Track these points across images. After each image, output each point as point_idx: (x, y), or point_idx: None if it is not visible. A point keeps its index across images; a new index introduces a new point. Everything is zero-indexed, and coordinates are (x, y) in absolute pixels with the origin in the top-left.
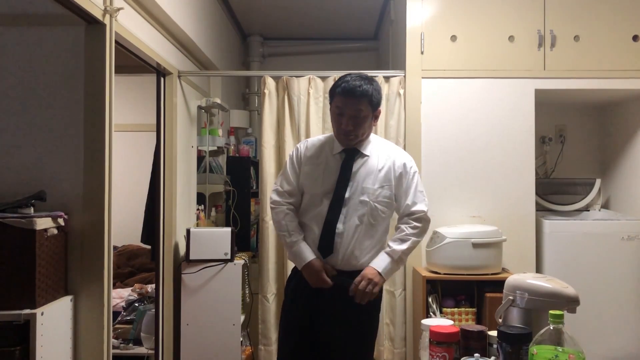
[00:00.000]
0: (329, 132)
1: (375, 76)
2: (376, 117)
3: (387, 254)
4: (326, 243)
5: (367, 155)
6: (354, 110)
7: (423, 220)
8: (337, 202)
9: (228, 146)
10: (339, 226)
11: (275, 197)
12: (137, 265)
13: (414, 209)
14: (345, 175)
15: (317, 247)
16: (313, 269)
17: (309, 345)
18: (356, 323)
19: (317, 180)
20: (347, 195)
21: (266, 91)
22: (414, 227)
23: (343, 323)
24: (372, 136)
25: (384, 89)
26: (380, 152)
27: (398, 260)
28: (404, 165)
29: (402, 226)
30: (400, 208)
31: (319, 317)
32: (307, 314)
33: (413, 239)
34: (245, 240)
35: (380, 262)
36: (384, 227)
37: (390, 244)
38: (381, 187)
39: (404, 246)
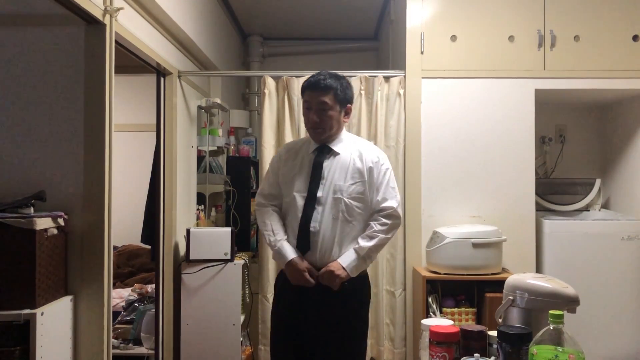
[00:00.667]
0: None
1: (375, 76)
2: (347, 114)
3: (355, 250)
4: (302, 242)
5: (339, 153)
6: (319, 102)
7: (392, 216)
8: (311, 201)
9: (228, 146)
10: (314, 225)
11: (260, 200)
12: (137, 265)
13: (384, 205)
14: (316, 173)
15: (295, 246)
16: (294, 267)
17: (295, 345)
18: (341, 323)
19: (294, 180)
20: (320, 193)
21: (266, 91)
22: (382, 224)
23: (327, 323)
24: (345, 134)
25: (384, 89)
26: (352, 149)
27: (365, 257)
28: (374, 160)
29: (372, 223)
30: (371, 204)
31: (304, 318)
32: (292, 314)
33: (381, 236)
34: (245, 240)
35: (347, 258)
36: (363, 223)
37: (359, 240)
38: (354, 184)
39: (371, 243)
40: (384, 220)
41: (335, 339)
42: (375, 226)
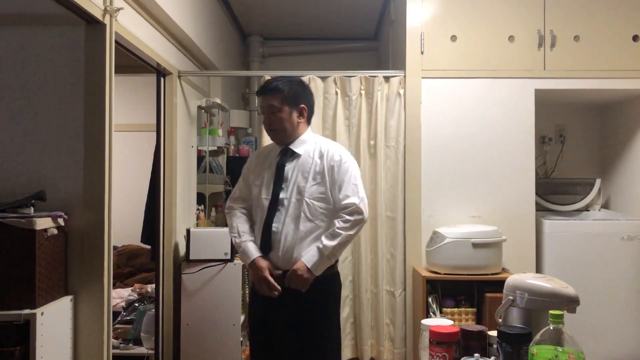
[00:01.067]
0: (329, 132)
1: (375, 76)
2: (301, 114)
3: (318, 249)
4: (265, 242)
5: (300, 154)
6: (267, 105)
7: (355, 213)
8: (274, 203)
9: (228, 146)
10: (276, 226)
11: (229, 204)
12: (137, 265)
13: (345, 202)
14: (279, 175)
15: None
16: (256, 267)
17: (267, 345)
18: (307, 323)
19: (262, 185)
20: (283, 195)
21: None
22: (345, 221)
23: (295, 323)
24: (308, 135)
25: (384, 89)
26: (314, 149)
27: (329, 255)
28: (335, 159)
29: (335, 221)
30: (335, 203)
31: (271, 319)
32: (261, 315)
33: (344, 233)
34: None
35: (310, 257)
36: (329, 222)
37: (322, 239)
38: (315, 184)
39: (334, 242)
40: (347, 217)
41: (302, 339)
42: (338, 223)
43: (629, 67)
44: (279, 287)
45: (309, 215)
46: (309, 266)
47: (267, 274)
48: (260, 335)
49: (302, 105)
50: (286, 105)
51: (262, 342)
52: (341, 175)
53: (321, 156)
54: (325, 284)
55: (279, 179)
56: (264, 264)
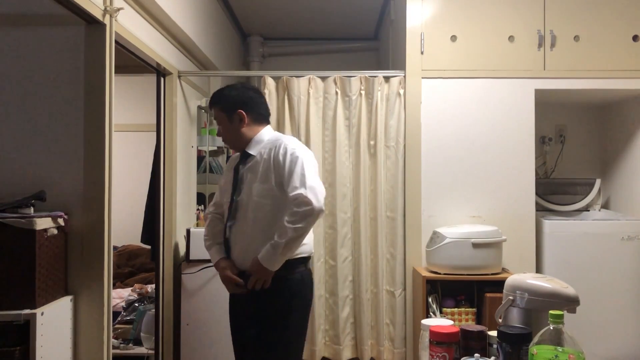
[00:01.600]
0: (329, 132)
1: (375, 76)
2: (241, 119)
3: (271, 245)
4: (225, 245)
5: (254, 155)
6: (215, 118)
7: (302, 204)
8: (231, 206)
9: (228, 146)
10: (231, 228)
11: (208, 209)
12: (137, 265)
13: (292, 194)
14: (235, 179)
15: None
16: (218, 268)
17: (239, 343)
18: (267, 321)
19: (227, 189)
20: (238, 197)
21: (266, 91)
22: (292, 214)
23: (255, 321)
24: (265, 134)
25: (384, 89)
26: (266, 148)
27: (284, 250)
28: (281, 152)
29: (285, 215)
30: (287, 196)
31: (238, 318)
32: (234, 312)
33: (291, 227)
34: None
35: (264, 253)
36: (278, 219)
37: (275, 234)
38: (262, 182)
39: (285, 238)
40: (294, 210)
41: (262, 337)
42: (287, 217)
43: (629, 67)
44: (241, 280)
45: (259, 215)
46: (262, 262)
47: (228, 272)
48: (235, 334)
49: (239, 111)
50: (225, 116)
51: (236, 341)
52: (289, 167)
53: (269, 153)
54: (290, 283)
55: (236, 183)
56: (224, 264)
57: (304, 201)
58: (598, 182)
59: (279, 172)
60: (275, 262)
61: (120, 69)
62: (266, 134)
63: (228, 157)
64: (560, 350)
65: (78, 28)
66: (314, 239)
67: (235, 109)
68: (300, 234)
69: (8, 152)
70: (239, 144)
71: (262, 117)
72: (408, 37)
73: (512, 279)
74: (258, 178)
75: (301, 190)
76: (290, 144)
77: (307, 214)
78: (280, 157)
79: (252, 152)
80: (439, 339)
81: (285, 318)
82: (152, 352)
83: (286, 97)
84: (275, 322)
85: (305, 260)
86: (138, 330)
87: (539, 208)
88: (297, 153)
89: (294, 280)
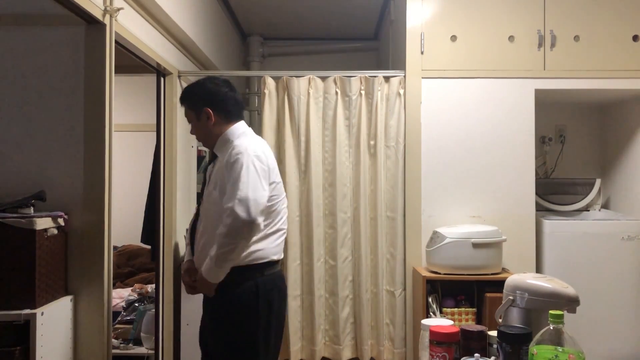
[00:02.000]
0: (329, 132)
1: (375, 76)
2: (209, 117)
3: (210, 257)
4: (191, 246)
5: (219, 156)
6: (185, 115)
7: (230, 216)
8: (197, 209)
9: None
10: (197, 229)
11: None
12: (137, 265)
13: (225, 205)
14: (204, 181)
15: None
16: (182, 268)
17: (205, 350)
18: (215, 330)
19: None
20: (201, 199)
21: (266, 91)
22: (223, 226)
23: (208, 333)
24: (230, 134)
25: (384, 89)
26: (228, 149)
27: (219, 263)
28: (226, 158)
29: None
30: None
31: (202, 323)
32: (202, 319)
33: (221, 239)
34: None
35: (205, 266)
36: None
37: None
38: (214, 187)
39: (217, 250)
40: (225, 221)
41: (211, 348)
42: (219, 229)
43: (629, 67)
44: (194, 285)
45: (208, 220)
46: (203, 274)
47: (184, 275)
48: (200, 341)
49: (206, 109)
50: (192, 114)
51: (202, 348)
52: (228, 174)
53: (223, 156)
54: (238, 293)
55: (204, 184)
56: (186, 266)
57: (232, 214)
58: (598, 182)
59: (224, 179)
60: (213, 274)
61: (120, 69)
62: (232, 133)
63: None
64: (560, 350)
65: (78, 28)
66: (313, 239)
67: (202, 106)
68: (232, 248)
69: (8, 152)
70: (210, 141)
71: (231, 114)
72: (408, 37)
73: (512, 279)
74: (212, 183)
75: (229, 203)
76: (238, 147)
77: (236, 227)
78: (225, 163)
79: (218, 153)
80: (439, 339)
81: (228, 333)
82: (152, 352)
83: (286, 97)
84: (218, 334)
85: (262, 267)
86: (138, 330)
87: (539, 208)
88: (242, 160)
89: (242, 290)
